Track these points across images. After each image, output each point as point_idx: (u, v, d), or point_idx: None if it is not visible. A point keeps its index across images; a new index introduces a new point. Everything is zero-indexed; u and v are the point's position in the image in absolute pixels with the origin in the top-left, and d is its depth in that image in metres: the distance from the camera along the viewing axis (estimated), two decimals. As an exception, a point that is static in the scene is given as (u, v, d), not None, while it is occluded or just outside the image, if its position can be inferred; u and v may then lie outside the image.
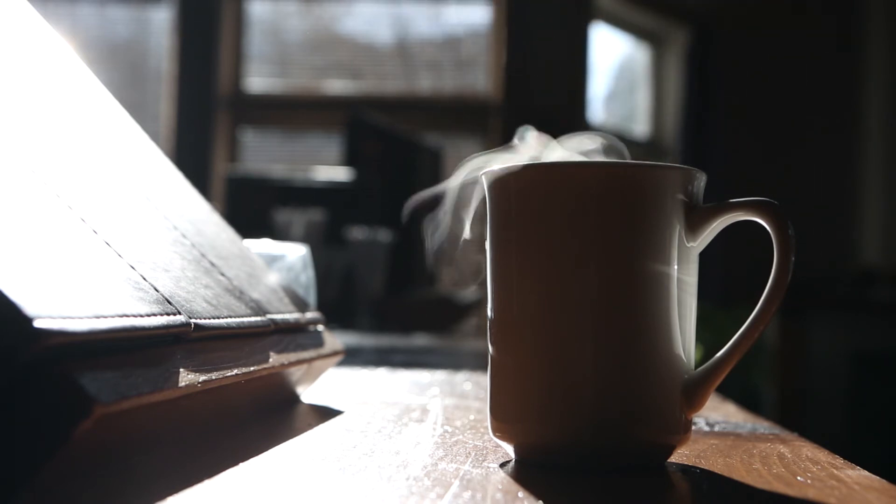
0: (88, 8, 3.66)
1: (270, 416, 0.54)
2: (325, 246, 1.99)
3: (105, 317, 0.33)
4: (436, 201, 0.45)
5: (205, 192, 1.23)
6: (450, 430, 0.50)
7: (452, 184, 0.45)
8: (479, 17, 3.66)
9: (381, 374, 0.82)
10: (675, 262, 0.41)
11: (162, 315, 0.38)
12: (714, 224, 0.41)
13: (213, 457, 0.40)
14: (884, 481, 0.38)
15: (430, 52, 3.68)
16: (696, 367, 0.42)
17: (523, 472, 0.39)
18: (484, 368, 0.44)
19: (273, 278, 0.63)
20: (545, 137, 0.45)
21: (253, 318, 0.50)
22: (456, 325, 2.10)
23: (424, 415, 0.55)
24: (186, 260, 0.49)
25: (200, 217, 0.60)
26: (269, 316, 0.53)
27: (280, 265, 0.70)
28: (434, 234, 0.45)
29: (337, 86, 3.64)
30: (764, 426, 0.55)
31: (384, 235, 2.15)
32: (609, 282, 0.40)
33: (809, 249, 2.97)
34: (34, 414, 0.30)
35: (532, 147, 0.44)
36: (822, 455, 0.45)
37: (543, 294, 0.40)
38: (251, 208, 2.34)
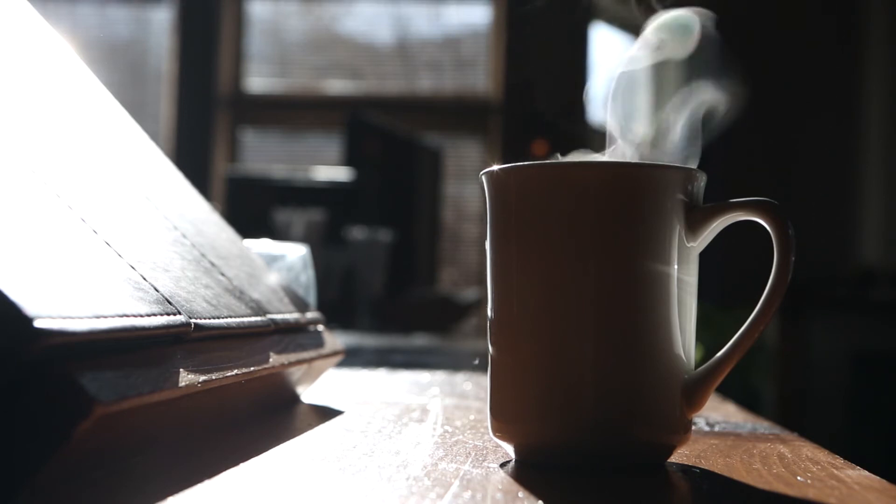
0: (88, 8, 3.66)
1: (270, 416, 0.54)
2: (325, 246, 1.99)
3: (105, 317, 0.33)
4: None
5: (205, 192, 1.23)
6: (450, 430, 0.50)
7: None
8: (479, 17, 3.66)
9: (381, 374, 0.82)
10: (675, 262, 0.41)
11: (162, 315, 0.38)
12: (714, 224, 0.41)
13: (213, 457, 0.40)
14: (884, 481, 0.38)
15: (430, 52, 3.68)
16: (696, 367, 0.42)
17: (523, 472, 0.39)
18: (484, 368, 0.44)
19: (273, 278, 0.63)
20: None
21: (253, 318, 0.50)
22: (456, 325, 2.10)
23: (424, 415, 0.55)
24: (186, 260, 0.49)
25: (200, 217, 0.60)
26: (269, 316, 0.53)
27: (280, 265, 0.70)
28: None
29: (337, 86, 3.64)
30: (764, 426, 0.55)
31: (384, 235, 2.15)
32: (609, 282, 0.40)
33: (809, 249, 2.97)
34: (34, 414, 0.30)
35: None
36: (822, 455, 0.45)
37: (543, 294, 0.40)
38: (251, 208, 2.35)
